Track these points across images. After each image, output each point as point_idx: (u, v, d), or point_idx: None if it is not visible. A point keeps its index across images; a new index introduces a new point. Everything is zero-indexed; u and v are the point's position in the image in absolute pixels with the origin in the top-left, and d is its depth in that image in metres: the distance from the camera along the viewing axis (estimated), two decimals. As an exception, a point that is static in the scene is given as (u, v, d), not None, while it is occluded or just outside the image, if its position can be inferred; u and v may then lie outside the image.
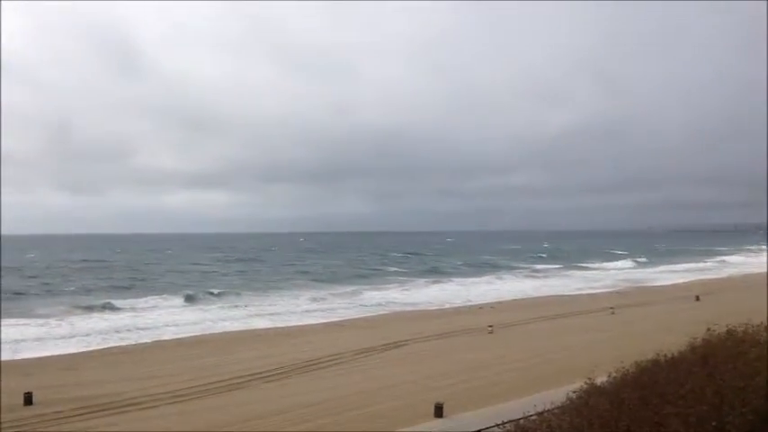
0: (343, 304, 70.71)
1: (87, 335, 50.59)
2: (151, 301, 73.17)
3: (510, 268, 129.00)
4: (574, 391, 12.56)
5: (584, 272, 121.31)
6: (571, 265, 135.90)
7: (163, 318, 60.37)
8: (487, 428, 18.44)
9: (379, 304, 70.63)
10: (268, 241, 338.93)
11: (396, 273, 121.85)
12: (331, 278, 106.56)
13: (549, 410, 11.47)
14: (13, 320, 56.63)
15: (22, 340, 47.53)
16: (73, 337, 49.80)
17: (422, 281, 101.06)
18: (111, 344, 46.55)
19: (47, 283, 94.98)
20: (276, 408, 25.62)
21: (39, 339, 48.18)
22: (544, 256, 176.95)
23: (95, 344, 46.49)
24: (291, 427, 22.69)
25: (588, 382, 12.81)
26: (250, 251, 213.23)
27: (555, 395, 15.72)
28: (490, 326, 47.30)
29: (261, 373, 33.57)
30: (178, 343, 46.49)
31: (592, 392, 12.06)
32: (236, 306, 69.58)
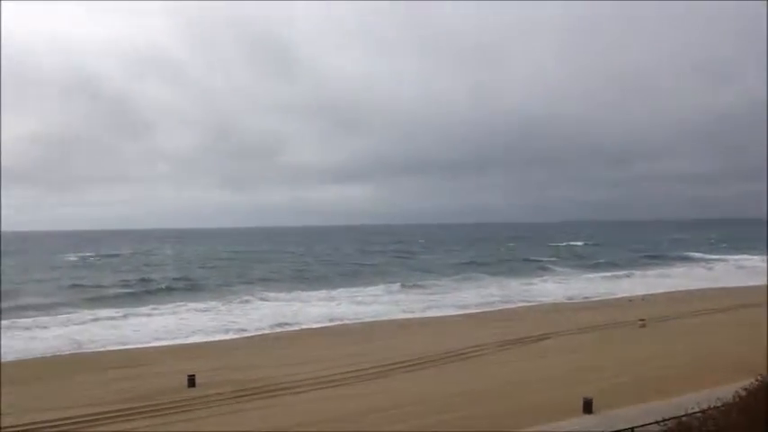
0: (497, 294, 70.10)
1: (237, 323, 54.11)
2: (322, 293, 76.22)
3: (676, 259, 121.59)
4: (744, 389, 11.41)
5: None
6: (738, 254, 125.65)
7: (316, 309, 63.01)
8: (644, 426, 17.31)
9: (526, 297, 69.08)
10: (413, 233, 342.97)
11: (551, 263, 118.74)
12: (496, 271, 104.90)
13: (714, 407, 10.50)
14: (184, 307, 62.37)
15: (186, 327, 51.81)
16: (231, 324, 53.43)
17: (580, 273, 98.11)
18: (264, 331, 49.45)
19: (214, 275, 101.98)
20: (418, 397, 25.73)
21: (202, 327, 52.03)
22: (716, 244, 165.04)
23: (249, 331, 49.57)
24: (434, 416, 22.65)
25: (759, 379, 11.60)
26: (397, 243, 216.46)
27: (719, 393, 14.41)
28: (642, 319, 44.73)
29: (403, 362, 33.93)
30: (322, 332, 48.39)
31: (761, 390, 10.90)
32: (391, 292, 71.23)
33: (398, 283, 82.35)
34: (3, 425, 23.64)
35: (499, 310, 59.55)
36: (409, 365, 33.35)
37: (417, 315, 56.83)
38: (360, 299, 69.14)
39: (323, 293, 74.15)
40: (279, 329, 50.71)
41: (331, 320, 54.20)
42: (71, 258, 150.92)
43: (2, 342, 44.89)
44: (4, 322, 53.78)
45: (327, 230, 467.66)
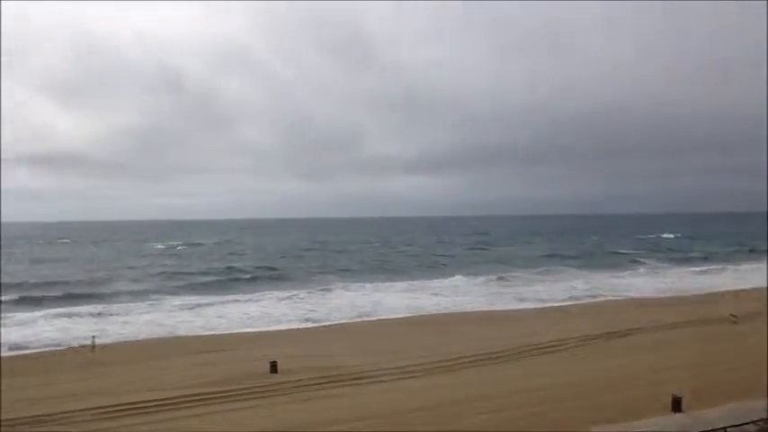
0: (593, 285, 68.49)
1: (317, 312, 55.09)
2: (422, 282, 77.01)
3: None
4: None
5: None
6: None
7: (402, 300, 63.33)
8: (738, 426, 16.43)
9: (613, 291, 67.02)
10: (492, 225, 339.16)
11: (640, 256, 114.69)
12: (580, 264, 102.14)
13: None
14: (266, 295, 64.28)
15: (268, 315, 53.22)
16: (312, 313, 54.50)
17: (671, 267, 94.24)
18: (344, 320, 50.19)
19: (295, 265, 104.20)
20: (496, 390, 25.36)
21: (283, 315, 53.31)
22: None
23: (329, 320, 50.42)
24: (513, 411, 22.29)
25: None
26: (475, 235, 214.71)
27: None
28: (734, 315, 42.53)
29: (482, 354, 33.56)
30: (401, 322, 48.59)
31: None
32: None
33: (477, 275, 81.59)
34: (93, 405, 24.89)
35: (584, 303, 58.04)
36: (489, 358, 32.97)
37: (497, 307, 56.19)
38: (438, 290, 68.92)
39: (402, 284, 74.30)
40: (358, 319, 51.30)
41: (410, 311, 54.33)
42: (158, 247, 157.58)
43: (98, 326, 47.47)
44: (99, 307, 56.80)
45: (404, 221, 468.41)
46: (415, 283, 76.07)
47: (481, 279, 78.16)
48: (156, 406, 24.81)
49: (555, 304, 57.40)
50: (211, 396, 26.23)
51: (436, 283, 75.20)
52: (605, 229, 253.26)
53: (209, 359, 34.53)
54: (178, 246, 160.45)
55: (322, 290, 69.59)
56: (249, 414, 23.53)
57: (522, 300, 60.92)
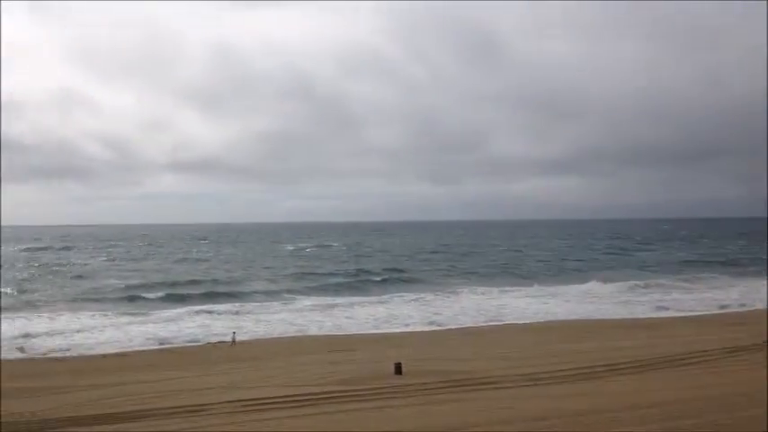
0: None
1: (443, 315, 54.87)
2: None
3: None
4: None
5: None
6: None
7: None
8: None
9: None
10: (629, 228, 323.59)
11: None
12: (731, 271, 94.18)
13: None
14: (393, 297, 65.53)
15: (395, 317, 53.61)
16: (437, 315, 54.33)
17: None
18: (470, 324, 49.53)
19: (422, 267, 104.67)
20: (640, 400, 23.71)
21: (410, 317, 53.52)
22: None
23: (455, 324, 49.95)
24: (640, 426, 20.66)
25: None
26: (611, 239, 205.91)
27: None
28: None
29: (614, 364, 31.62)
30: (528, 328, 47.17)
31: None
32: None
33: (614, 281, 77.77)
34: (229, 398, 25.95)
35: (733, 312, 53.63)
36: (626, 367, 31.05)
37: (633, 316, 53.16)
38: (570, 296, 66.48)
39: (530, 289, 72.41)
40: (484, 323, 50.43)
41: (539, 317, 52.73)
42: (289, 248, 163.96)
43: (234, 323, 49.86)
44: (236, 305, 59.76)
45: (532, 224, 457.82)
46: (545, 288, 73.84)
47: (617, 285, 74.39)
48: (285, 402, 25.43)
49: (700, 313, 53.48)
50: (338, 394, 26.53)
51: (568, 289, 72.59)
52: (756, 233, 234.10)
53: (336, 358, 35.13)
54: (308, 247, 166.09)
55: (448, 293, 69.24)
56: (374, 415, 23.50)
57: (663, 308, 57.27)
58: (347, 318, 53.27)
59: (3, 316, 52.13)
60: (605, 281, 78.46)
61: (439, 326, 49.21)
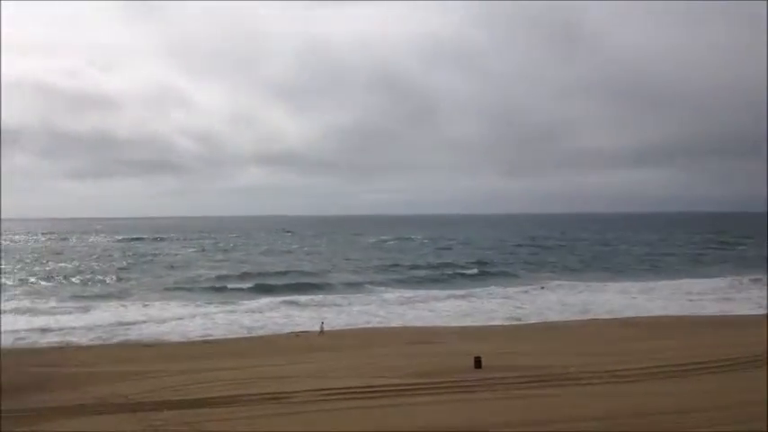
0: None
1: (526, 308, 54.42)
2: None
3: None
4: None
5: None
6: None
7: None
8: None
9: None
10: (724, 221, 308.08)
11: None
12: None
13: None
14: (475, 291, 65.17)
15: (476, 310, 53.35)
16: (520, 310, 53.76)
17: None
18: (552, 318, 48.75)
19: (505, 261, 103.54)
20: (715, 402, 22.68)
21: (491, 311, 53.16)
22: None
23: (537, 317, 49.31)
24: (724, 427, 19.68)
25: None
26: (702, 234, 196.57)
27: None
28: None
29: (698, 363, 30.29)
30: (614, 323, 45.89)
31: None
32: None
33: (711, 277, 74.42)
34: (311, 387, 26.60)
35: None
36: (707, 367, 29.68)
37: (727, 313, 50.65)
38: (659, 292, 64.11)
39: (619, 284, 70.32)
40: (569, 318, 49.41)
41: (628, 312, 51.13)
42: (370, 240, 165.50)
43: (317, 314, 50.97)
44: (320, 296, 61.07)
45: (618, 217, 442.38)
46: (634, 283, 71.48)
47: (716, 281, 71.18)
48: (366, 392, 25.84)
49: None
50: (416, 387, 26.71)
51: (658, 284, 70.02)
52: None
53: (416, 351, 35.30)
54: (389, 240, 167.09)
55: (532, 286, 68.31)
56: (452, 408, 23.53)
57: (760, 306, 54.29)
58: (429, 310, 53.44)
59: (102, 304, 55.49)
60: (703, 276, 75.16)
61: (521, 320, 48.62)
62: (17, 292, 62.28)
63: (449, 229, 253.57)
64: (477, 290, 65.83)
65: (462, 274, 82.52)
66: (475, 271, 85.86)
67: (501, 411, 22.68)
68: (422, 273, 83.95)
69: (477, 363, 30.42)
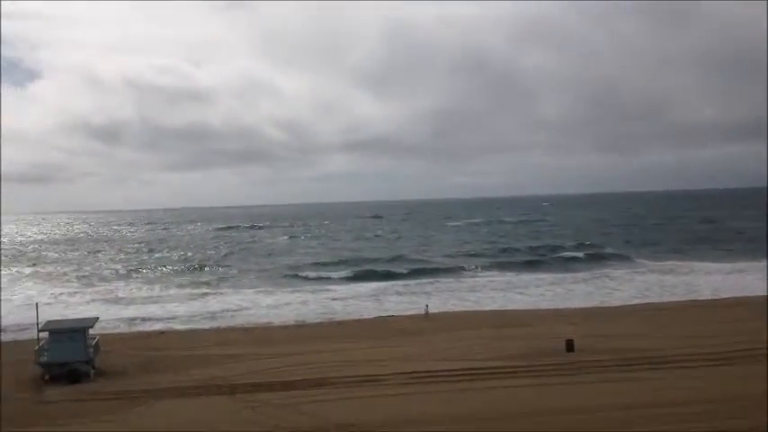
0: None
1: (620, 290, 52.99)
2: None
3: None
4: None
5: None
6: None
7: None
8: None
9: None
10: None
11: None
12: None
13: None
14: (568, 274, 63.99)
15: (570, 293, 52.36)
16: (615, 291, 52.40)
17: None
18: (649, 300, 47.04)
19: (605, 242, 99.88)
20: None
21: (585, 293, 51.89)
22: None
23: (631, 299, 47.80)
24: None
25: None
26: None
27: None
28: None
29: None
30: (722, 303, 43.67)
31: None
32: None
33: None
34: (395, 371, 26.86)
35: None
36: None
37: None
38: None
39: (725, 264, 66.81)
40: (668, 299, 47.54)
41: (731, 293, 48.43)
42: (459, 224, 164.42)
43: (406, 299, 51.25)
44: (413, 281, 61.28)
45: (718, 194, 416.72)
46: (742, 262, 67.24)
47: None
48: (456, 375, 25.90)
49: None
50: (508, 370, 26.52)
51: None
52: None
53: (509, 333, 34.95)
54: (480, 223, 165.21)
55: (632, 267, 66.31)
56: (546, 391, 23.21)
57: None
58: (522, 293, 52.56)
59: (202, 290, 58.04)
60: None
61: (618, 302, 47.08)
62: (121, 282, 66.06)
63: (543, 210, 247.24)
64: (571, 274, 64.08)
65: (560, 257, 79.41)
66: (572, 253, 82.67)
67: (593, 395, 22.10)
68: (516, 256, 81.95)
69: (570, 346, 29.76)
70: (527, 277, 62.74)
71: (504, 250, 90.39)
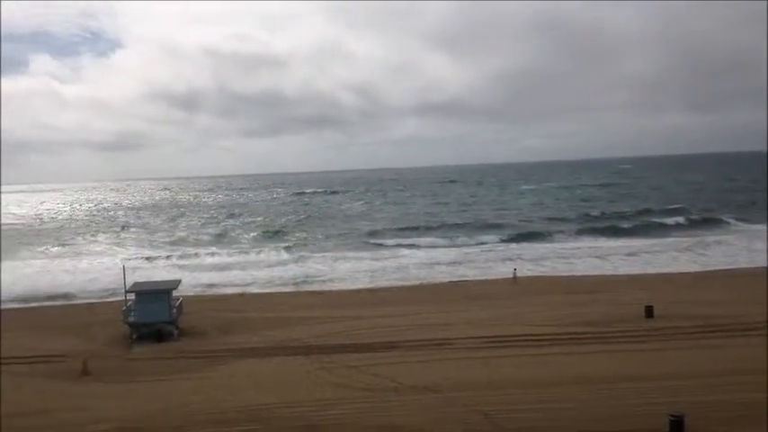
0: None
1: (707, 256, 51.12)
2: None
3: None
4: None
5: None
6: None
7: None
8: None
9: None
10: None
11: None
12: None
13: None
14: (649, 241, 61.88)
15: (653, 259, 50.82)
16: (701, 256, 50.97)
17: None
18: (734, 266, 45.01)
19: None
20: None
21: (672, 259, 50.34)
22: None
23: (715, 266, 45.80)
24: None
25: None
26: None
27: None
28: None
29: None
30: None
31: None
32: None
33: None
34: (464, 335, 26.87)
35: None
36: None
37: None
38: None
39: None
40: (758, 264, 45.24)
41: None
42: (531, 187, 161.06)
43: (477, 266, 50.93)
44: (489, 246, 60.67)
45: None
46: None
47: None
48: (526, 340, 25.74)
49: None
50: (581, 336, 26.13)
51: None
52: None
53: (588, 299, 34.40)
54: (558, 187, 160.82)
55: (719, 234, 63.52)
56: (624, 358, 22.74)
57: None
58: (606, 260, 50.76)
59: (279, 256, 59.36)
60: None
61: (703, 268, 45.26)
62: (201, 247, 68.07)
63: (623, 173, 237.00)
64: (658, 239, 61.29)
65: (647, 222, 75.83)
66: (659, 219, 78.29)
67: (675, 362, 21.47)
68: (601, 221, 78.69)
69: (649, 312, 28.96)
70: (613, 243, 60.72)
71: (587, 215, 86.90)
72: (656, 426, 15.71)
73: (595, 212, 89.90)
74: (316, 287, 44.26)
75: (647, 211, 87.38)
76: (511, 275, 43.96)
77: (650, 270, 45.63)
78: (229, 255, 60.92)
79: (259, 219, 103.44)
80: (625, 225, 74.41)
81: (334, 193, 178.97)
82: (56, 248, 69.91)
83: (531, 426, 16.47)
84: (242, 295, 41.36)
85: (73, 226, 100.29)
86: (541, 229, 73.03)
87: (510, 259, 52.73)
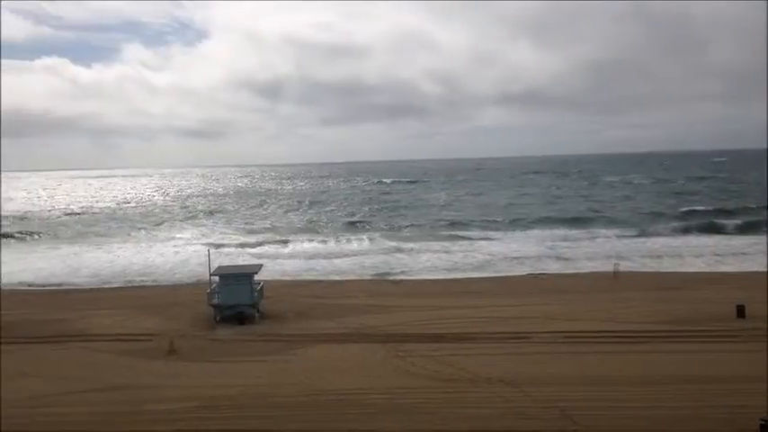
0: None
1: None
2: None
3: None
4: None
5: None
6: None
7: None
8: None
9: None
10: None
11: None
12: None
13: None
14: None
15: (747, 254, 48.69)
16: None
17: None
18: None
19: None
20: None
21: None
22: None
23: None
24: None
25: None
26: None
27: None
28: None
29: None
30: None
31: None
32: None
33: None
34: (542, 329, 26.30)
35: None
36: None
37: None
38: None
39: None
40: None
41: None
42: (614, 179, 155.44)
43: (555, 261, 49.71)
44: (569, 243, 59.04)
45: None
46: None
47: None
48: (607, 336, 25.09)
49: None
50: (667, 334, 25.20)
51: None
52: None
53: (671, 296, 33.00)
54: (645, 180, 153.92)
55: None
56: (712, 358, 21.80)
57: None
58: (700, 257, 48.46)
59: (360, 245, 59.86)
60: None
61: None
62: (284, 234, 69.40)
63: (716, 167, 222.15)
64: (757, 237, 57.88)
65: (745, 221, 71.45)
66: (757, 217, 74.11)
67: (762, 363, 20.35)
68: (696, 218, 74.07)
69: (740, 311, 27.56)
70: (710, 240, 57.98)
71: (683, 210, 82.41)
72: (746, 429, 15.02)
73: (691, 207, 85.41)
74: (395, 276, 44.41)
75: (747, 208, 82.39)
76: (608, 270, 42.52)
77: (748, 269, 43.31)
78: (310, 242, 61.99)
79: (340, 207, 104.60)
80: (723, 221, 70.58)
81: (414, 182, 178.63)
82: (144, 233, 73.25)
83: (610, 424, 16.08)
84: (321, 282, 41.99)
85: (158, 211, 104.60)
86: (635, 223, 70.56)
87: (607, 255, 50.59)
